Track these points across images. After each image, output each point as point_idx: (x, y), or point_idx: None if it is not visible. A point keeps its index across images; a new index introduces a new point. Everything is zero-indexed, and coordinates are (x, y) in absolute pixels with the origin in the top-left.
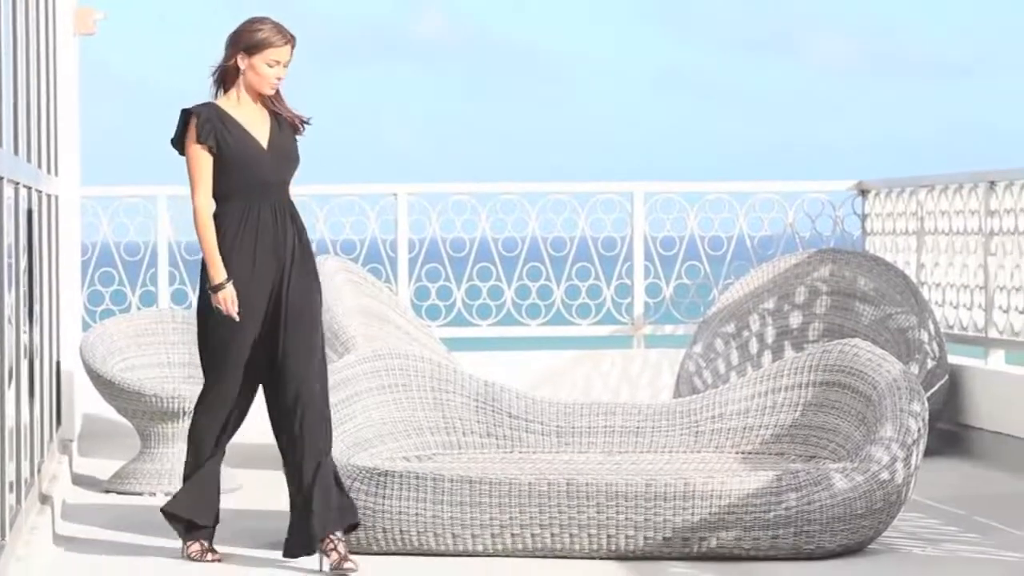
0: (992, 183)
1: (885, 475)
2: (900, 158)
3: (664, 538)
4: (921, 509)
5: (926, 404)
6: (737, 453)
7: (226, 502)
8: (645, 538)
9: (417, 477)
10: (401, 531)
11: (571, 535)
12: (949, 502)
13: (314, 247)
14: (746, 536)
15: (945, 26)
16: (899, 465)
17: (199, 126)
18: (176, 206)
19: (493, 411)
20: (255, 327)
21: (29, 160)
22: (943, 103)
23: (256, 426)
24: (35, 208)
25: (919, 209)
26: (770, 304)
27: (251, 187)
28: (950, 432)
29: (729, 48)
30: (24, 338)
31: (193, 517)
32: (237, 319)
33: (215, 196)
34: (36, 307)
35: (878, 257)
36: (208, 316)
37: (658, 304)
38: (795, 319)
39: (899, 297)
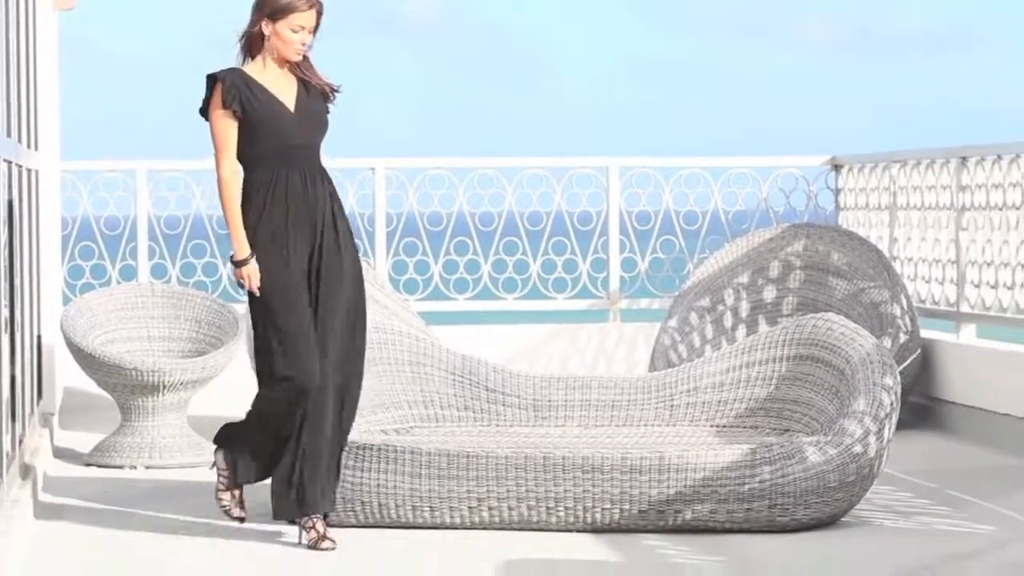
0: (964, 159)
1: (858, 448)
2: (874, 134)
3: (640, 511)
4: (893, 482)
5: (898, 378)
6: (712, 426)
7: (203, 475)
8: (621, 511)
9: (395, 450)
10: (379, 504)
11: (548, 508)
12: (921, 475)
13: None
14: (720, 508)
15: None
16: (872, 438)
17: (224, 91)
18: (155, 180)
19: (470, 385)
20: (302, 299)
21: (9, 135)
22: (918, 81)
23: (236, 399)
24: (15, 182)
25: (892, 184)
26: (744, 278)
27: (279, 152)
28: (922, 406)
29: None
30: (5, 312)
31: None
32: (257, 293)
33: (243, 163)
34: (17, 281)
35: (851, 232)
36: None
37: (633, 278)
38: (769, 293)
39: (872, 271)
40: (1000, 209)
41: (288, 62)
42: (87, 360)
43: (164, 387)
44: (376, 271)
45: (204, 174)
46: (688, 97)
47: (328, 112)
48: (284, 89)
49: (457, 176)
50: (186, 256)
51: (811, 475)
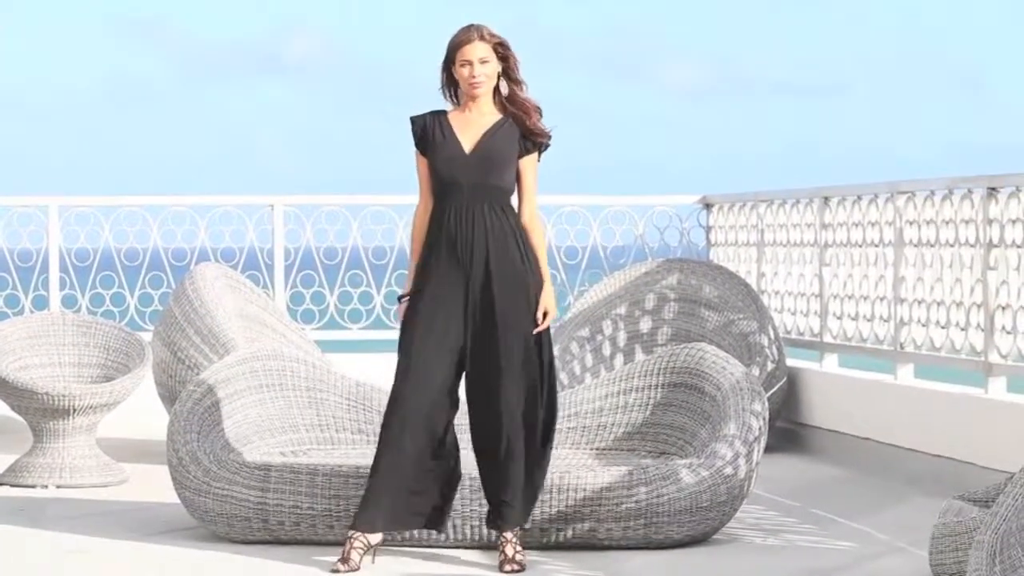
0: (826, 198)
1: (728, 470)
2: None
3: (523, 529)
4: (761, 502)
5: (766, 404)
6: (592, 449)
7: (113, 494)
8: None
9: (293, 471)
10: (280, 522)
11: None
12: (787, 495)
13: (193, 255)
14: (600, 527)
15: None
16: (741, 461)
17: (413, 132)
18: (66, 215)
19: (364, 409)
20: (443, 334)
21: None
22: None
23: (142, 422)
24: None
25: (759, 222)
26: (622, 310)
27: (445, 189)
28: (788, 430)
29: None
30: None
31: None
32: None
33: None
34: None
35: (721, 266)
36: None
37: None
38: (645, 324)
39: (741, 304)
40: (860, 246)
41: (501, 99)
42: (0, 384)
43: (74, 410)
44: (275, 302)
45: (113, 209)
46: (563, 132)
47: (512, 148)
48: (471, 129)
49: (351, 212)
50: (95, 287)
51: (685, 495)
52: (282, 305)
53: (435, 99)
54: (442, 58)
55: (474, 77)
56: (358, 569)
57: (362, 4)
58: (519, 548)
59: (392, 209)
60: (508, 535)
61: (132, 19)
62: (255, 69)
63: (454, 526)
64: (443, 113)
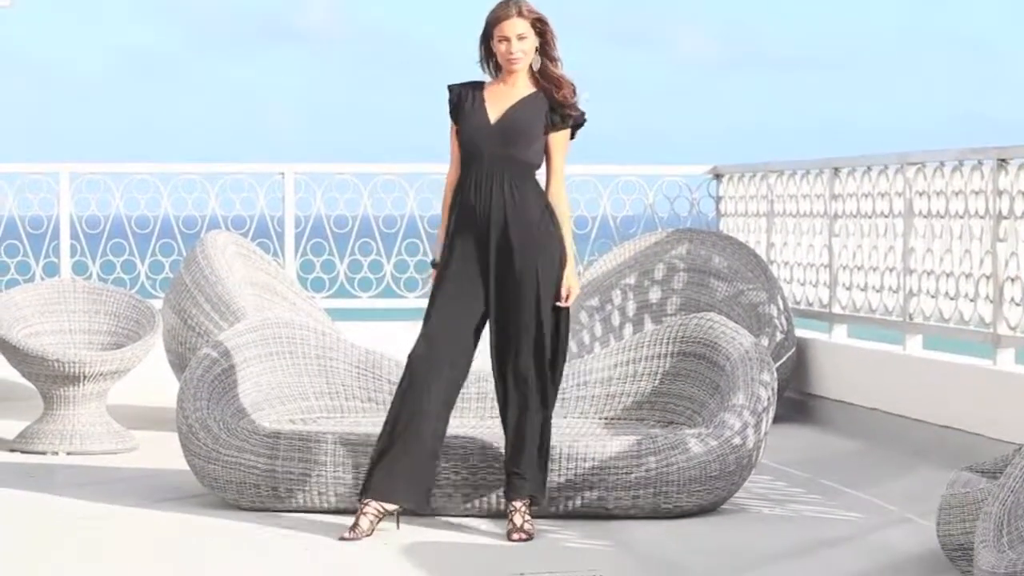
0: (836, 169)
1: (737, 440)
2: (752, 147)
3: (536, 503)
4: (770, 472)
5: (775, 374)
6: (600, 419)
7: (123, 461)
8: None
9: (302, 439)
10: (289, 490)
11: (448, 495)
12: (795, 465)
13: (204, 223)
14: (609, 496)
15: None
16: (750, 431)
17: (449, 100)
18: (77, 182)
19: (374, 377)
20: (464, 302)
21: None
22: (793, 96)
23: (152, 389)
24: None
25: (769, 192)
26: (631, 280)
27: (468, 159)
28: (797, 400)
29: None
30: None
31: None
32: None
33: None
34: None
35: (731, 237)
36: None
37: None
38: (654, 294)
39: (751, 274)
40: (869, 217)
41: (534, 73)
42: (11, 352)
43: (84, 378)
44: (285, 270)
45: (124, 176)
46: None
47: (538, 120)
48: (502, 100)
49: (362, 181)
50: (106, 254)
51: (693, 465)
52: (292, 273)
53: (447, 69)
54: (480, 31)
55: (511, 53)
56: (369, 535)
57: None
58: (528, 517)
59: (403, 178)
60: (517, 503)
61: None
62: (267, 37)
63: (465, 495)
64: (480, 84)
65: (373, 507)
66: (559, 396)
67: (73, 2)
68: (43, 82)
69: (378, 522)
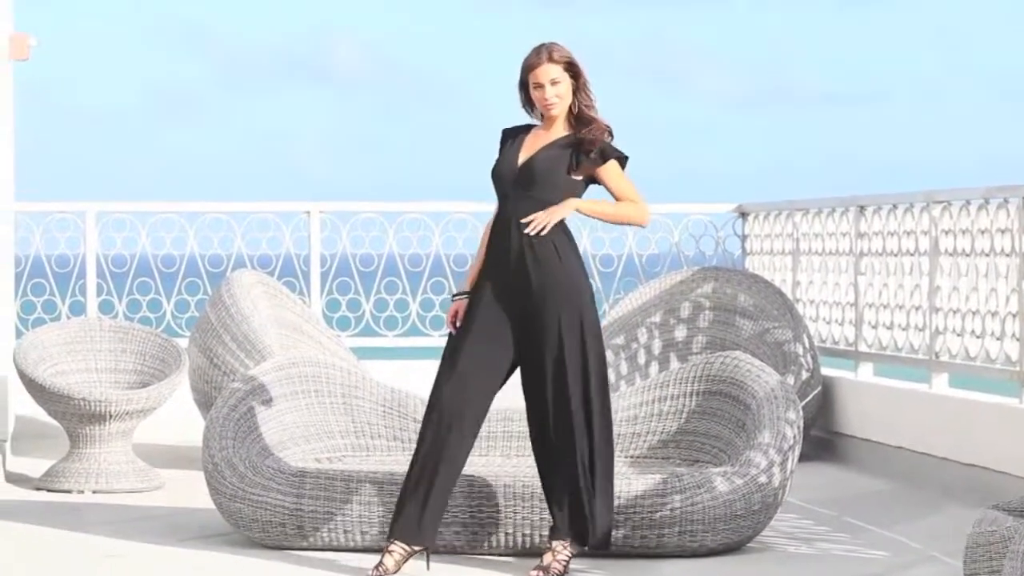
0: (862, 207)
1: (763, 478)
2: (779, 184)
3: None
4: (796, 510)
5: (801, 412)
6: (626, 457)
7: (149, 499)
8: (541, 536)
9: (328, 477)
10: (315, 528)
11: (474, 533)
12: (821, 504)
13: (230, 262)
14: (634, 535)
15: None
16: (776, 469)
17: (501, 141)
18: (104, 221)
19: (399, 416)
20: (490, 337)
21: None
22: (820, 134)
23: (178, 428)
24: None
25: (795, 231)
26: (657, 318)
27: (499, 199)
28: (823, 439)
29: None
30: None
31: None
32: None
33: None
34: None
35: (757, 275)
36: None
37: None
38: (680, 332)
39: (776, 312)
40: (895, 255)
41: (571, 117)
42: (38, 390)
43: (110, 416)
44: (311, 309)
45: (150, 215)
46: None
47: (562, 163)
48: (537, 143)
49: (387, 219)
50: (132, 293)
51: (719, 503)
52: (318, 312)
53: (476, 110)
54: (518, 79)
55: (546, 99)
56: (395, 573)
57: (405, 14)
58: (559, 559)
59: (428, 216)
60: (554, 543)
61: (174, 25)
62: (297, 76)
63: (506, 534)
64: (528, 128)
65: (400, 547)
66: None
67: (102, 40)
68: (71, 120)
69: (404, 562)
